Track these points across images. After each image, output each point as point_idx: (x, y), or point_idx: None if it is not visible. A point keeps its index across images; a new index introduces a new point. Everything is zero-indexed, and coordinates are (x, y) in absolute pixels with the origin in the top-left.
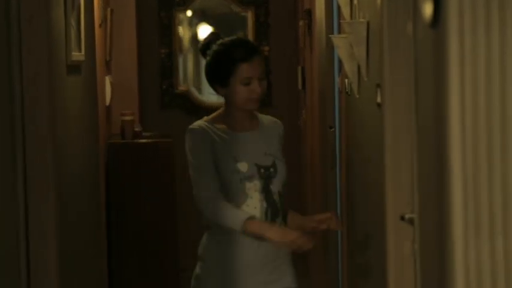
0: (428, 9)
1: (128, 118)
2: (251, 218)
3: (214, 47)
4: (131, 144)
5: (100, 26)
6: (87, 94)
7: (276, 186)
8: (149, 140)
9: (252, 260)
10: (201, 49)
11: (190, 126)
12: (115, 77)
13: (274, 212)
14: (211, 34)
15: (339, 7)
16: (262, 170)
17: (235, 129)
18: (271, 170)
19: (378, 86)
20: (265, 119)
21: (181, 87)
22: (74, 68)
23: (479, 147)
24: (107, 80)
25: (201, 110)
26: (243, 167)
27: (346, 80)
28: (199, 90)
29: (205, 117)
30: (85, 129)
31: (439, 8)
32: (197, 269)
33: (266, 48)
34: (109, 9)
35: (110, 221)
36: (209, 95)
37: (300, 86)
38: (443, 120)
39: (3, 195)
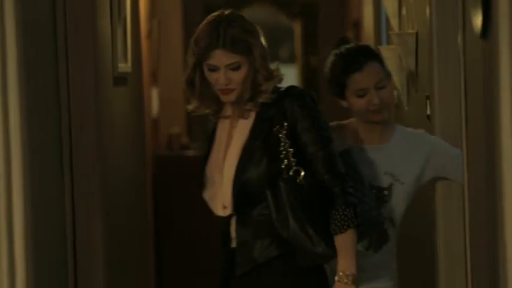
0: (478, 20)
1: (175, 130)
2: None
3: (331, 57)
4: (178, 156)
5: (147, 37)
6: (133, 106)
7: (387, 212)
8: (197, 153)
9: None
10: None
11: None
12: (162, 88)
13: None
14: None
15: (387, 18)
16: (373, 191)
17: (358, 142)
18: (385, 192)
19: (428, 97)
20: (406, 132)
21: None
22: (120, 79)
23: None
24: (154, 92)
25: None
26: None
27: (395, 92)
28: None
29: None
30: (132, 140)
31: (488, 18)
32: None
33: (314, 59)
34: (156, 21)
35: (158, 232)
36: None
37: None
38: (495, 130)
39: (51, 206)
